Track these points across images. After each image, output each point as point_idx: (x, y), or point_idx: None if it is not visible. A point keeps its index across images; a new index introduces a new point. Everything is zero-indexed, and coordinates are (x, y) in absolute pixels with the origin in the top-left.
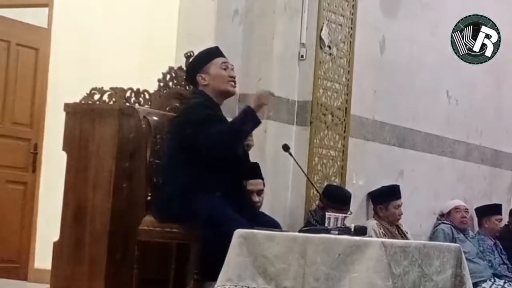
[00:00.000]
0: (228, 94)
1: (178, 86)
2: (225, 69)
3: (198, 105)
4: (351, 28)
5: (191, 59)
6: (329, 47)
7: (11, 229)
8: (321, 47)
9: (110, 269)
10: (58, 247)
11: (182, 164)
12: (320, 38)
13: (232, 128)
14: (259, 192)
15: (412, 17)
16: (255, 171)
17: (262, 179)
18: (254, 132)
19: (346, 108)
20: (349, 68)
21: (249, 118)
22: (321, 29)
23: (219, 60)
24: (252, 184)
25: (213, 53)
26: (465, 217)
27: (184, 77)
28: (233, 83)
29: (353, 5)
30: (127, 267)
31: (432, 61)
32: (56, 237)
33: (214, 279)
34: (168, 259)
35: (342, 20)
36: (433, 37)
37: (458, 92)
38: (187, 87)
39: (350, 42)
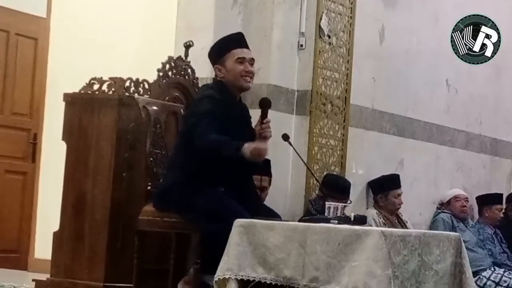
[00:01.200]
0: (242, 89)
1: (178, 76)
2: (241, 63)
3: (204, 98)
4: (351, 17)
5: (211, 47)
6: (329, 36)
7: (11, 219)
8: (320, 37)
9: (110, 259)
10: (58, 237)
11: (187, 156)
12: (320, 28)
13: (217, 144)
14: (263, 189)
15: (412, 6)
16: (264, 167)
17: (270, 176)
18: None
19: (345, 98)
20: (348, 58)
21: (233, 152)
22: (321, 19)
23: (236, 52)
24: (258, 180)
25: (232, 43)
26: (465, 206)
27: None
28: (248, 78)
29: None
30: (127, 257)
31: (431, 50)
32: (56, 227)
33: (215, 272)
34: (168, 249)
35: (342, 10)
36: (433, 26)
37: (458, 81)
38: (187, 77)
39: (350, 32)
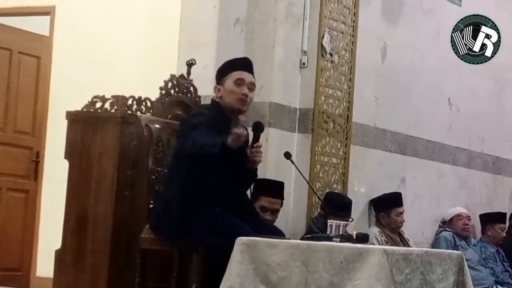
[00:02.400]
0: (235, 111)
1: (180, 94)
2: (239, 85)
3: (196, 116)
4: (353, 35)
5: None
6: (331, 54)
7: (13, 237)
8: (322, 55)
9: (112, 277)
10: (60, 255)
11: (181, 178)
12: (322, 46)
13: (202, 142)
14: (274, 211)
15: (414, 24)
16: (277, 190)
17: (282, 199)
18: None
19: (347, 116)
20: (350, 76)
21: (217, 144)
22: (323, 37)
23: (236, 75)
24: (269, 203)
25: (236, 65)
26: (467, 224)
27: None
28: (243, 101)
29: (354, 13)
30: (129, 275)
31: (433, 68)
32: (58, 245)
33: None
34: (170, 267)
35: (344, 28)
36: (435, 44)
37: (460, 99)
38: (189, 95)
39: (352, 50)
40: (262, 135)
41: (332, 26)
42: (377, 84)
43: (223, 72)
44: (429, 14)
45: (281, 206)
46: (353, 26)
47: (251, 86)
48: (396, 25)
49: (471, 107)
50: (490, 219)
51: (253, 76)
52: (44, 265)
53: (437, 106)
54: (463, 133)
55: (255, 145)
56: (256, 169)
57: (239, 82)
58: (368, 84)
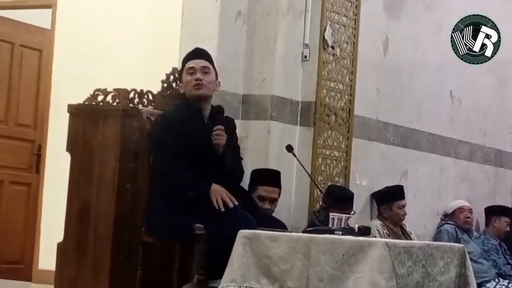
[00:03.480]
0: (197, 98)
1: None
2: (191, 74)
3: (163, 120)
4: (355, 28)
5: None
6: (333, 47)
7: (15, 230)
8: (324, 48)
9: (114, 270)
10: (62, 248)
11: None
12: (324, 39)
13: (185, 181)
14: (272, 200)
15: (416, 18)
16: (273, 179)
17: (279, 188)
18: (254, 132)
19: (349, 109)
20: (352, 69)
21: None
22: (325, 30)
23: (187, 65)
24: (267, 191)
25: (186, 58)
26: (469, 217)
27: None
28: (197, 86)
29: (356, 6)
30: (131, 268)
31: (435, 62)
32: (60, 238)
33: (219, 277)
34: (172, 260)
35: (346, 21)
36: (437, 38)
37: (462, 93)
38: None
39: (354, 43)
40: (264, 128)
41: (334, 19)
42: (379, 78)
43: (181, 69)
44: (432, 8)
45: (279, 195)
46: (355, 19)
47: (205, 70)
48: (398, 19)
49: (473, 101)
50: (497, 211)
51: (207, 61)
52: (46, 258)
53: (439, 99)
54: (465, 126)
55: (214, 128)
56: (240, 166)
57: (191, 71)
58: (370, 77)
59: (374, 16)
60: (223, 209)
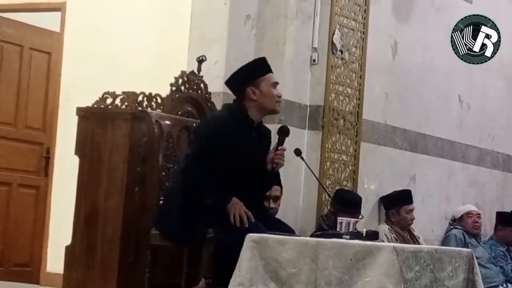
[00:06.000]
0: (273, 113)
1: (190, 90)
2: (275, 88)
3: (211, 122)
4: (363, 32)
5: (242, 68)
6: (341, 51)
7: (24, 233)
8: (333, 52)
9: (122, 273)
10: (70, 251)
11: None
12: (332, 43)
13: (206, 191)
14: (276, 198)
15: (424, 21)
16: (273, 178)
17: (280, 186)
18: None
19: (358, 113)
20: (361, 73)
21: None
22: (333, 34)
23: (270, 77)
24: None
25: (265, 67)
26: (477, 222)
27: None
28: (279, 103)
29: (365, 10)
30: (139, 271)
31: (444, 66)
32: (68, 241)
33: (226, 282)
34: (180, 263)
35: (354, 25)
36: (446, 41)
37: (470, 97)
38: (199, 91)
39: (362, 47)
40: (272, 131)
41: (343, 23)
42: (388, 81)
43: (256, 74)
44: (440, 11)
45: (281, 193)
46: (364, 23)
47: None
48: (407, 23)
49: (482, 105)
50: (505, 220)
51: None
52: (54, 261)
53: (447, 103)
54: (473, 131)
55: (279, 148)
56: (278, 173)
57: (275, 85)
58: (378, 81)
59: (382, 20)
60: (238, 225)
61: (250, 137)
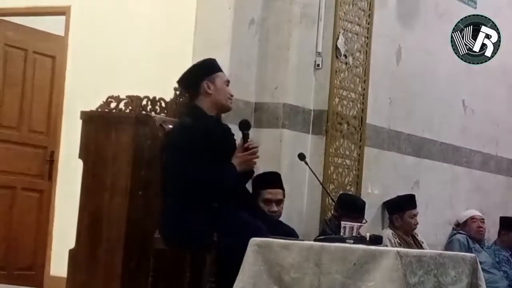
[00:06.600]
0: (225, 110)
1: None
2: (227, 86)
3: (184, 128)
4: (367, 37)
5: (194, 65)
6: (345, 56)
7: (27, 237)
8: (337, 56)
9: (126, 277)
10: (74, 255)
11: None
12: (336, 47)
13: (217, 178)
14: (278, 202)
15: (429, 27)
16: (275, 180)
17: (283, 189)
18: (266, 141)
19: (361, 117)
20: (365, 78)
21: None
22: (337, 38)
23: (223, 75)
24: (272, 194)
25: (217, 66)
26: (481, 227)
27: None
28: (231, 101)
29: (369, 15)
30: (143, 275)
31: (448, 71)
32: (72, 244)
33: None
34: (183, 267)
35: (358, 30)
36: (450, 47)
37: (474, 102)
38: None
39: (366, 52)
40: (277, 136)
41: (347, 27)
42: (392, 86)
43: (211, 70)
44: (444, 17)
45: (284, 196)
46: (368, 28)
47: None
48: (411, 28)
49: (486, 110)
50: (508, 225)
51: None
52: (58, 265)
53: (451, 108)
54: (477, 136)
55: (250, 146)
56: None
57: (227, 83)
58: (382, 86)
59: (387, 25)
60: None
61: (221, 129)
